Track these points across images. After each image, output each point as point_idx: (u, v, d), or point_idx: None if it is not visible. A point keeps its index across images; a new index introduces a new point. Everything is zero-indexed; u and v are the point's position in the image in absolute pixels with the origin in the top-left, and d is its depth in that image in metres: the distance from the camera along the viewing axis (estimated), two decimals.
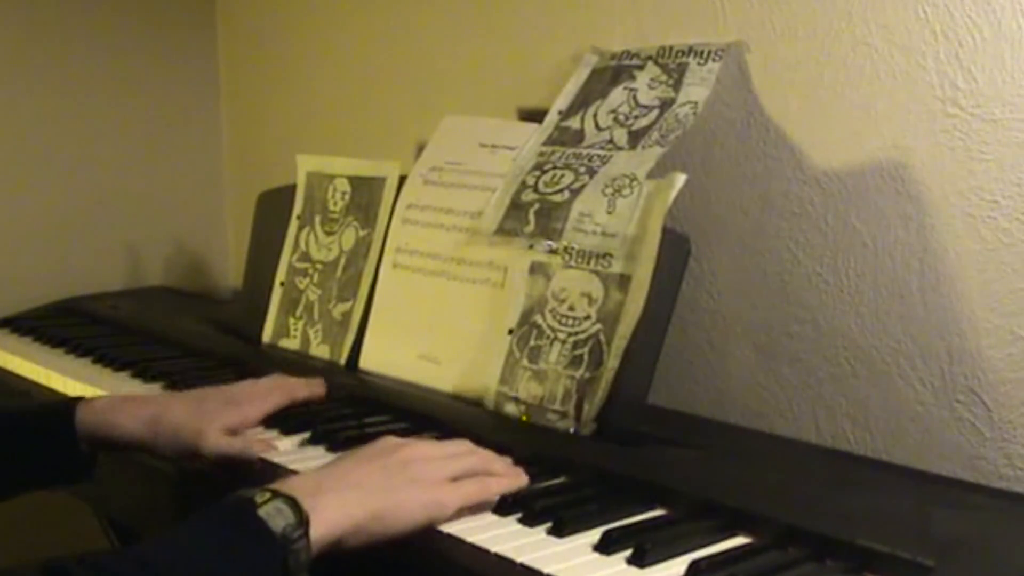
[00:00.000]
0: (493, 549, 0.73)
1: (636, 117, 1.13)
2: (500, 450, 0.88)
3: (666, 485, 0.84)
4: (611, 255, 1.03)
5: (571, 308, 1.05)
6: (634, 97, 1.15)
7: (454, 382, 1.13)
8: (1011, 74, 0.95)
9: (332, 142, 1.71)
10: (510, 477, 0.83)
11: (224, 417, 0.95)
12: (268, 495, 0.70)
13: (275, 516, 0.69)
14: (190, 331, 1.43)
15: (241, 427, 0.97)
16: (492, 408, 1.08)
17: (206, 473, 0.95)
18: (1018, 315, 0.97)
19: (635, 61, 1.18)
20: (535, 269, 1.08)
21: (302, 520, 0.70)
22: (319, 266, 1.34)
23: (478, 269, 1.15)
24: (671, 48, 1.15)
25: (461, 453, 0.84)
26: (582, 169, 1.11)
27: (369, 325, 1.25)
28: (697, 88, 1.11)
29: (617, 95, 1.17)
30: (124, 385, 1.21)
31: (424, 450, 0.83)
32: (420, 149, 1.30)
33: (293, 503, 0.70)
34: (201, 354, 1.32)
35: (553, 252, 1.08)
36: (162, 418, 0.94)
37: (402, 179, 1.28)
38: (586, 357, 1.02)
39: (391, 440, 0.84)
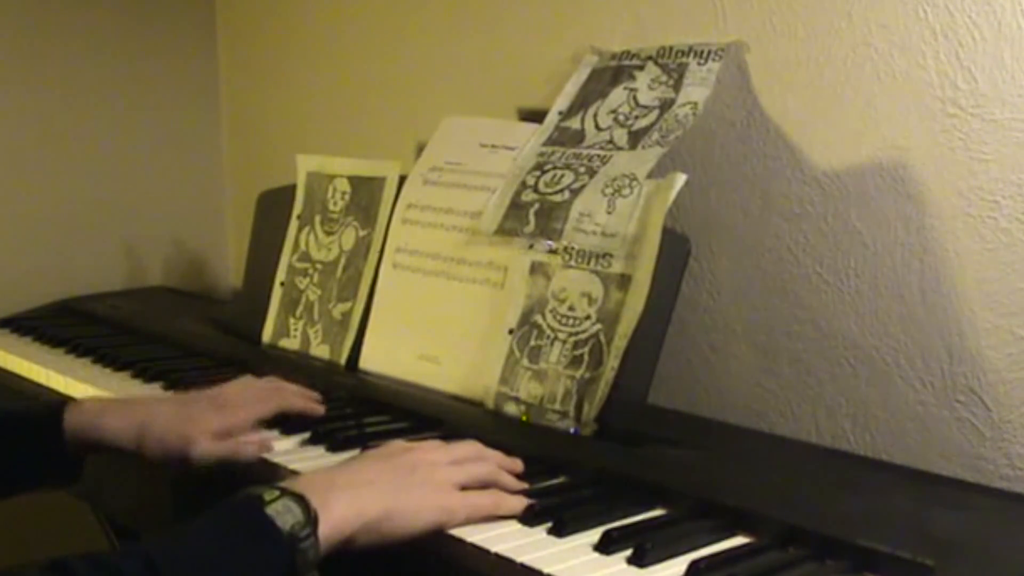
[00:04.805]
0: (493, 549, 0.73)
1: (636, 117, 1.13)
2: (501, 450, 0.88)
3: (666, 485, 0.84)
4: (611, 255, 1.03)
5: (571, 308, 1.05)
6: (634, 97, 1.15)
7: (454, 382, 1.13)
8: (1011, 74, 0.95)
9: (332, 142, 1.71)
10: (518, 499, 0.81)
11: (212, 421, 0.94)
12: (277, 493, 0.70)
13: (283, 514, 0.69)
14: (190, 331, 1.43)
15: (230, 432, 0.95)
16: (492, 408, 1.08)
17: (205, 473, 0.95)
18: (1018, 315, 0.97)
19: (635, 61, 1.18)
20: (535, 269, 1.08)
21: (311, 518, 0.69)
22: (319, 266, 1.34)
23: (478, 269, 1.15)
24: (671, 48, 1.15)
25: (469, 458, 0.84)
26: (582, 169, 1.11)
27: (369, 325, 1.25)
28: (697, 88, 1.11)
29: (617, 95, 1.17)
30: (124, 385, 1.21)
31: (433, 455, 0.82)
32: (420, 149, 1.30)
33: (302, 501, 0.70)
34: (201, 354, 1.32)
35: (553, 252, 1.08)
36: (149, 425, 0.92)
37: (402, 179, 1.28)
38: (586, 357, 1.02)
39: (399, 444, 0.85)
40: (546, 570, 0.70)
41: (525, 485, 0.84)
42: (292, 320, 1.35)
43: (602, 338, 1.02)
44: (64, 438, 0.93)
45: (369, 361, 1.24)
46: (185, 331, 1.43)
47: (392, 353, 1.21)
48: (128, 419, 0.94)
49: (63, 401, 0.97)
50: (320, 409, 1.03)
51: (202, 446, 0.91)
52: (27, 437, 0.95)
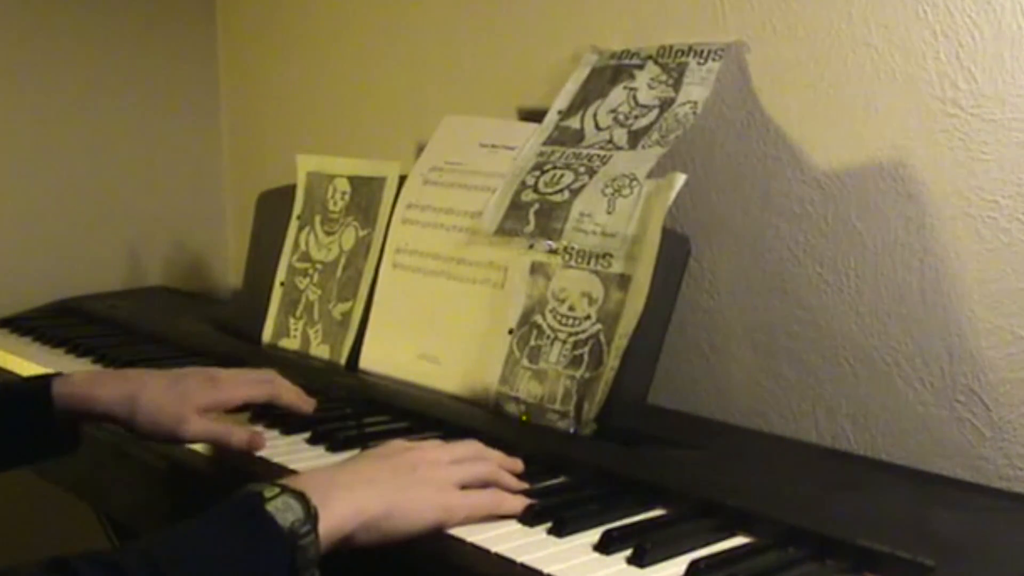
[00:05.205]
0: (493, 549, 0.73)
1: (636, 117, 1.13)
2: (501, 450, 0.88)
3: (666, 485, 0.84)
4: (611, 255, 1.03)
5: (571, 308, 1.05)
6: (634, 97, 1.15)
7: (454, 382, 1.13)
8: (1011, 74, 0.95)
9: (332, 142, 1.71)
10: (518, 498, 0.81)
11: (201, 397, 0.93)
12: (277, 490, 0.70)
13: (284, 511, 0.69)
14: (190, 331, 1.43)
15: (217, 408, 0.95)
16: (492, 408, 1.08)
17: (203, 471, 0.95)
18: (1018, 315, 0.97)
19: (635, 61, 1.18)
20: (535, 269, 1.08)
21: (311, 516, 0.69)
22: (319, 266, 1.34)
23: (478, 269, 1.15)
24: (671, 48, 1.15)
25: (470, 458, 0.84)
26: (582, 169, 1.11)
27: (369, 325, 1.25)
28: (697, 88, 1.11)
29: (617, 95, 1.17)
30: None
31: (432, 454, 0.82)
32: (420, 149, 1.30)
33: (302, 498, 0.70)
34: (201, 354, 1.32)
35: (553, 252, 1.08)
36: (140, 397, 0.92)
37: (402, 179, 1.28)
38: (586, 357, 1.02)
39: (399, 443, 0.84)
40: (546, 570, 0.70)
41: (525, 485, 0.84)
42: (292, 320, 1.35)
43: (602, 338, 1.02)
44: (54, 408, 0.93)
45: (369, 361, 1.24)
46: (185, 331, 1.43)
47: (392, 353, 1.21)
48: (121, 390, 0.93)
49: (52, 374, 0.97)
50: (310, 408, 1.02)
51: (193, 425, 0.91)
52: (15, 408, 0.95)
